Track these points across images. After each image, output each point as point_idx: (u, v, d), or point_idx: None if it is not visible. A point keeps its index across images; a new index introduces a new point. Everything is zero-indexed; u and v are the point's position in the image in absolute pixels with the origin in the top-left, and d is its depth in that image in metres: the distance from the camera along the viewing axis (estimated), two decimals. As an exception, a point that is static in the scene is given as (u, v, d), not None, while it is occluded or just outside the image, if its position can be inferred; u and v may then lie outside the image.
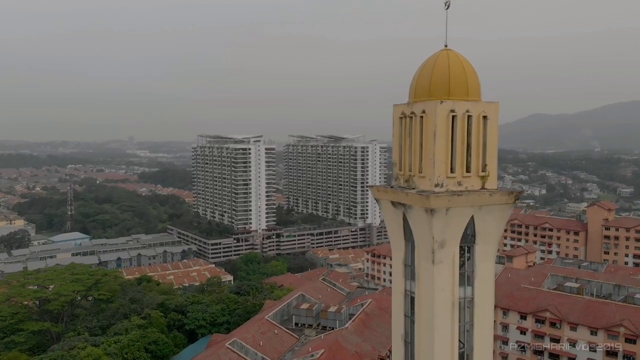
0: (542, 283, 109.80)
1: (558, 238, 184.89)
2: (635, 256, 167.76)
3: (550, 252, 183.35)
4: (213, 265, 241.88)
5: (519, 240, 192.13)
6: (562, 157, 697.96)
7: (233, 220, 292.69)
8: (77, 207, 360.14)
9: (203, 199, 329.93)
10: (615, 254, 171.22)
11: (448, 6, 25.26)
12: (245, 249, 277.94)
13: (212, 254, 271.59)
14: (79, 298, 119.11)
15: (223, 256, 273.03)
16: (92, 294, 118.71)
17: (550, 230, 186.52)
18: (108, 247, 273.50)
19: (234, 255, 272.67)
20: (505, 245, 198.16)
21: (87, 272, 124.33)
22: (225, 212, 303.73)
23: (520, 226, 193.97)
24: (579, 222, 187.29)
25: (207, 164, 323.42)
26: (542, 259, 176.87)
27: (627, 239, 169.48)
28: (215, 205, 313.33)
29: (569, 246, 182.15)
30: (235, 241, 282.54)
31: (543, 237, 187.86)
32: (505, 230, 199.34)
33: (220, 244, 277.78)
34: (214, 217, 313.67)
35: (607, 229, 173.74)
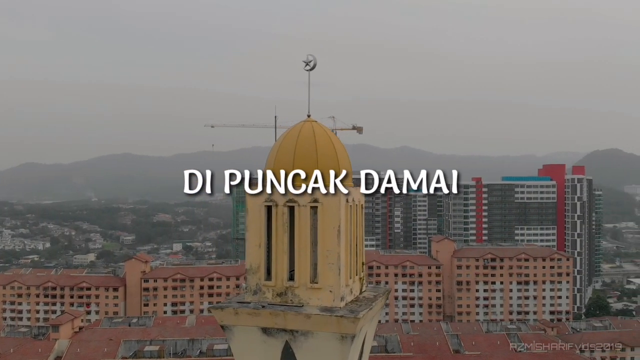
0: (116, 353, 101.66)
1: (97, 297, 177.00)
2: (173, 304, 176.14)
3: (89, 312, 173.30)
4: None
5: (54, 304, 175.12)
6: (62, 207, 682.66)
7: None
8: None
9: None
10: (155, 304, 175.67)
11: (312, 67, 19.90)
12: None
13: None
14: None
15: None
16: None
17: (89, 289, 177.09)
18: None
19: None
20: (38, 312, 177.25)
21: None
22: None
23: (54, 289, 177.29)
24: (116, 277, 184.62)
25: None
26: (83, 320, 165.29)
27: (165, 288, 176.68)
28: None
29: (109, 303, 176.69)
30: None
31: (81, 297, 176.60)
32: (37, 295, 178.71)
33: None
34: None
35: (146, 281, 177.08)
